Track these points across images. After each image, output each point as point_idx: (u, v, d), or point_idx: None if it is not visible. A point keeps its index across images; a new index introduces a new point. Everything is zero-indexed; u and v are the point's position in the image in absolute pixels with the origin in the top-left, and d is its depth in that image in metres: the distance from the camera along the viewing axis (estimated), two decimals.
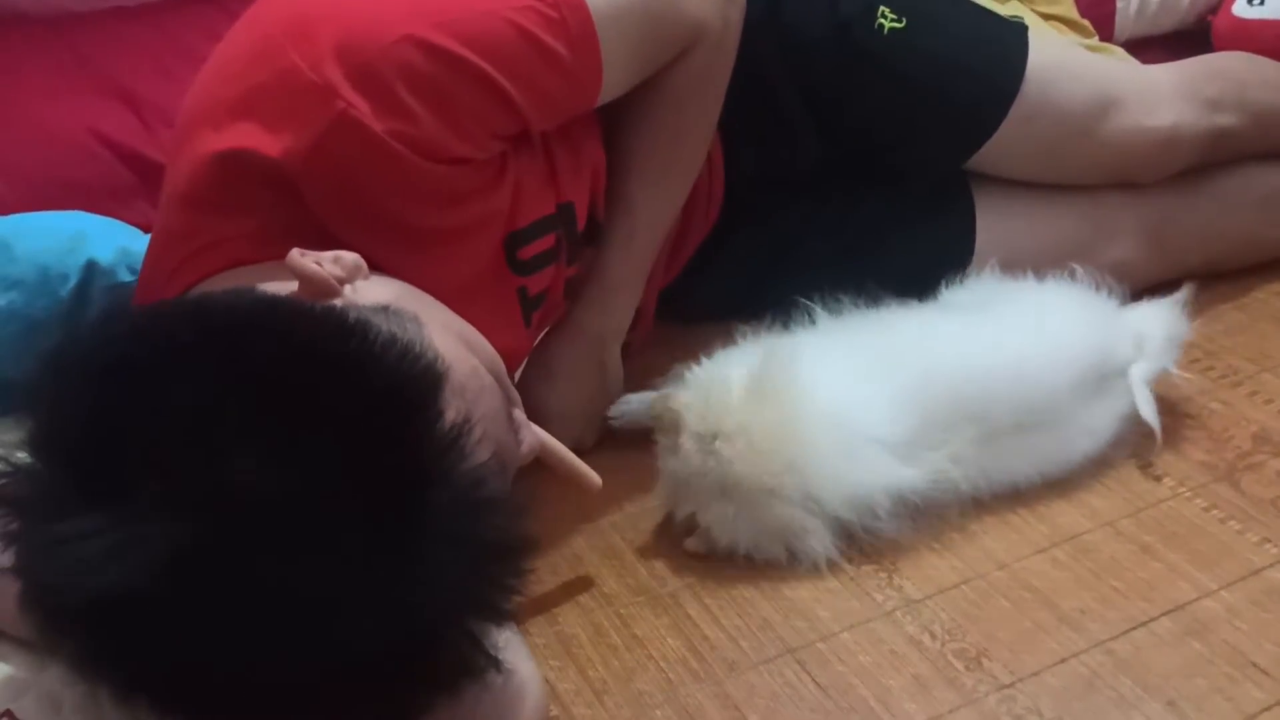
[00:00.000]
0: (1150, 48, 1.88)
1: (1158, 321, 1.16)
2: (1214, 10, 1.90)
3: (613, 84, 1.04)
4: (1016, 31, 1.30)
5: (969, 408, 1.05)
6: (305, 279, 0.82)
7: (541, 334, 1.16)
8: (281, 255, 0.89)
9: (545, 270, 1.08)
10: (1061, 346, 1.10)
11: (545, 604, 1.02)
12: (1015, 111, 1.27)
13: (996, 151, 1.30)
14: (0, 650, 0.92)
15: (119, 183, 1.34)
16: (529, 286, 1.06)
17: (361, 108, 0.88)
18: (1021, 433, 1.07)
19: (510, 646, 0.77)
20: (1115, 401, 1.12)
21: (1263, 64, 1.42)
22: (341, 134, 0.89)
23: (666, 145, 1.15)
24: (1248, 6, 1.83)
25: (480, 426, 0.73)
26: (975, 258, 1.33)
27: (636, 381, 1.24)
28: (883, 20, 1.26)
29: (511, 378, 1.12)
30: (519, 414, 0.92)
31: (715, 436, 0.99)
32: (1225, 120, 1.33)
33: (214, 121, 0.92)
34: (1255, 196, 1.38)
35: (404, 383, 0.71)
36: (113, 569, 0.60)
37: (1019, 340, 1.10)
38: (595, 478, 1.03)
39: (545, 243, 1.06)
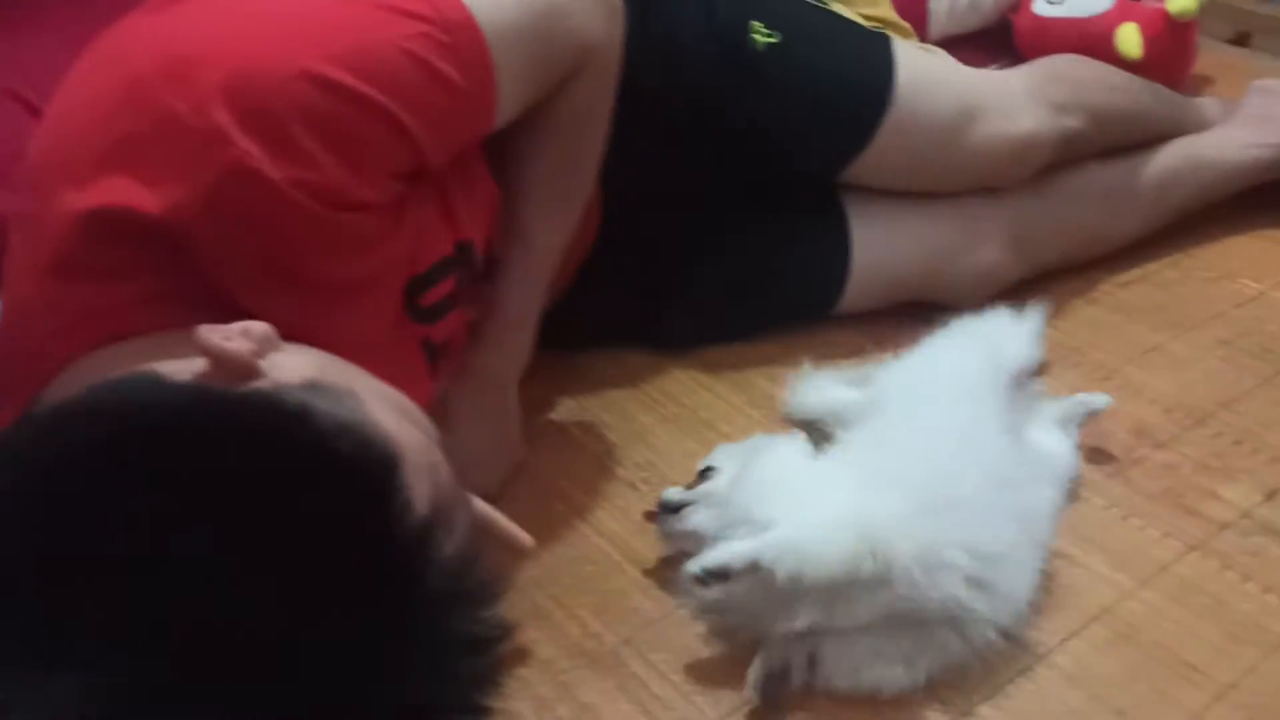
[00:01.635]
0: (957, 46, 1.94)
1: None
2: (1015, 9, 1.98)
3: (507, 108, 0.98)
4: (882, 44, 1.31)
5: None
6: (221, 360, 0.72)
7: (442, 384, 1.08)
8: (167, 324, 0.79)
9: (449, 316, 1.00)
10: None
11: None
12: (887, 123, 1.28)
13: (869, 164, 1.30)
14: None
15: None
16: (433, 336, 0.98)
17: (256, 154, 0.78)
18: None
19: None
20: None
21: (1098, 67, 1.49)
22: (236, 185, 0.78)
23: (560, 172, 1.09)
24: (1047, 5, 1.92)
25: (446, 509, 0.66)
26: (852, 269, 1.33)
27: (528, 418, 1.17)
28: (756, 35, 1.24)
29: None
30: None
31: None
32: (1072, 123, 1.38)
33: (76, 177, 0.80)
34: (1099, 192, 1.44)
35: (364, 476, 0.63)
36: None
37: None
38: (525, 537, 0.97)
39: (445, 286, 0.99)
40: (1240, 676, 0.94)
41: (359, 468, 0.63)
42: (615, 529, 1.10)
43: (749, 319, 1.35)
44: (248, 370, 0.72)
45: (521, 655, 0.97)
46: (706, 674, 0.95)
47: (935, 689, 0.93)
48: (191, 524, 0.57)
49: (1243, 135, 1.54)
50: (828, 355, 1.33)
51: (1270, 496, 1.13)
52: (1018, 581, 0.97)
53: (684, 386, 1.29)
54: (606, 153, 1.18)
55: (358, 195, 0.85)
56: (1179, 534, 1.09)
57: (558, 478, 1.15)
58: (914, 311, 1.36)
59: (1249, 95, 1.59)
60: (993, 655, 0.95)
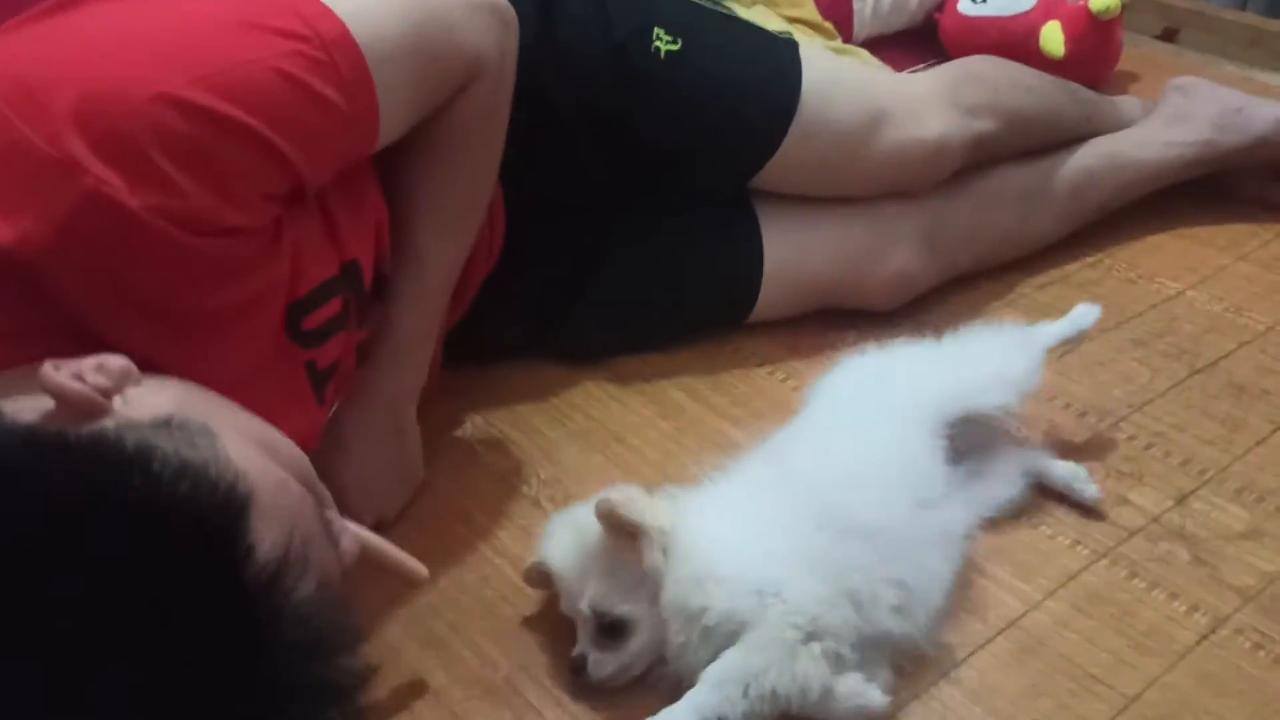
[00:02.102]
0: (883, 46, 1.93)
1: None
2: (940, 9, 1.97)
3: (391, 126, 0.95)
4: (788, 49, 1.29)
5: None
6: (64, 399, 0.69)
7: (333, 408, 1.05)
8: (22, 359, 0.76)
9: (334, 339, 0.97)
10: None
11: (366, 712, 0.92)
12: (794, 129, 1.26)
13: (778, 169, 1.28)
14: None
15: None
16: (318, 359, 0.95)
17: (114, 182, 0.75)
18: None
19: None
20: None
21: (1011, 67, 1.48)
22: (92, 214, 0.75)
23: (453, 187, 1.06)
24: (972, 5, 1.92)
25: (298, 552, 0.63)
26: (765, 275, 1.32)
27: (433, 436, 1.15)
28: (658, 43, 1.22)
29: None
30: (334, 516, 0.82)
31: None
32: (983, 125, 1.37)
33: None
34: (1012, 194, 1.43)
35: (202, 521, 0.60)
36: None
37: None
38: (420, 568, 0.94)
39: (331, 308, 0.96)
40: (1143, 688, 0.93)
41: (197, 512, 0.60)
42: (517, 551, 1.07)
43: (661, 327, 1.33)
44: (94, 408, 0.69)
45: (415, 686, 0.94)
46: (605, 702, 0.93)
47: None
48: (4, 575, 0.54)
49: (1161, 133, 1.53)
50: (744, 364, 1.32)
51: (1180, 501, 1.12)
52: (931, 602, 0.95)
53: (593, 398, 1.27)
54: (509, 162, 1.16)
55: (225, 220, 0.82)
56: (1088, 542, 1.07)
57: (459, 498, 1.13)
58: (834, 319, 1.35)
59: (1166, 93, 1.58)
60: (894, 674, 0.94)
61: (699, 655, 0.88)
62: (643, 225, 1.30)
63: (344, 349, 0.99)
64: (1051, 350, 1.14)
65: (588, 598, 0.91)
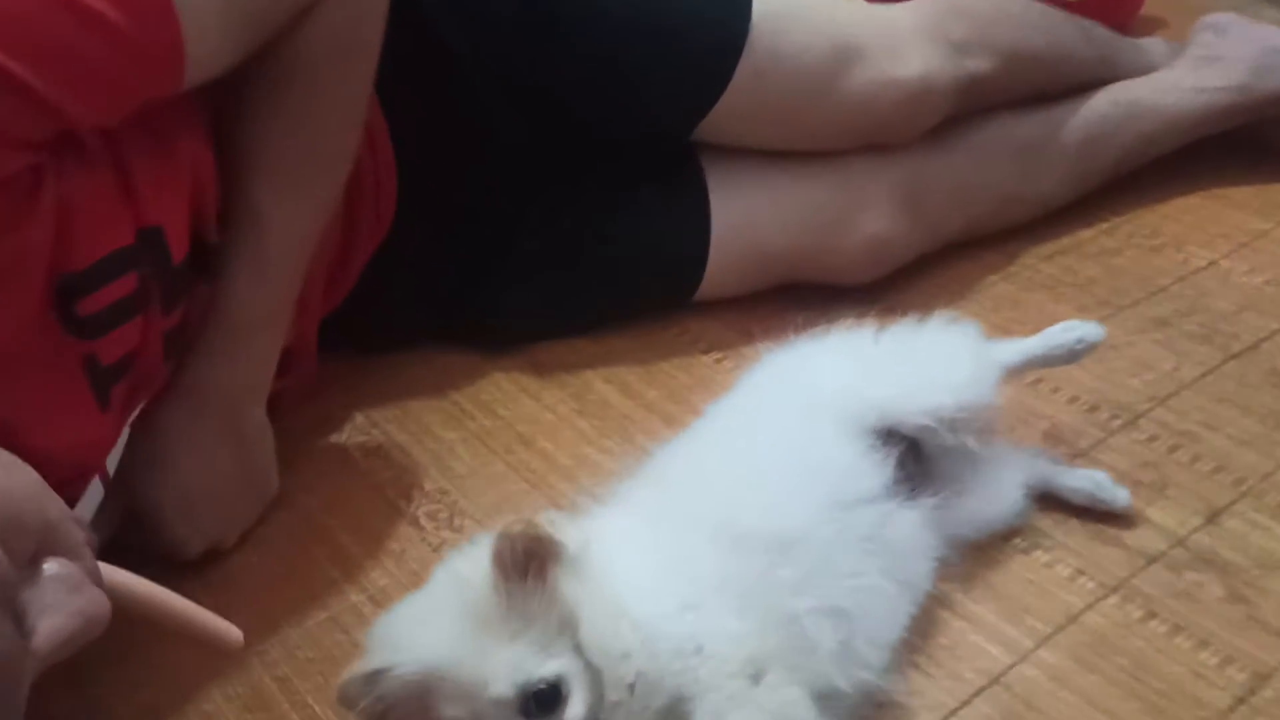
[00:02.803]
0: None
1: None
2: None
3: (205, 55, 0.74)
4: None
5: None
6: None
7: (135, 412, 0.84)
8: None
9: (125, 327, 0.76)
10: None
11: None
12: (743, 67, 1.05)
13: (725, 116, 1.07)
14: None
15: None
16: (99, 353, 0.75)
17: None
18: None
19: None
20: None
21: (1012, 0, 1.25)
22: None
23: (301, 133, 0.86)
24: None
25: None
26: (713, 243, 1.11)
27: (302, 438, 0.95)
28: None
29: (101, 471, 0.81)
30: (59, 569, 0.60)
31: None
32: (975, 64, 1.15)
33: None
34: (1011, 148, 1.21)
35: None
36: None
37: None
38: (231, 632, 0.72)
39: (121, 287, 0.75)
40: None
41: None
42: (384, 583, 0.87)
43: (589, 308, 1.12)
44: None
45: None
46: None
47: None
48: None
49: (1189, 78, 1.30)
50: (687, 350, 1.11)
51: (1212, 518, 0.90)
52: (883, 639, 0.75)
53: (503, 393, 1.06)
54: (400, 116, 0.96)
55: None
56: (1095, 572, 0.86)
57: (321, 514, 0.93)
58: (797, 297, 1.14)
59: (1196, 32, 1.35)
60: None
61: None
62: (567, 188, 1.10)
63: (141, 339, 0.78)
64: (1014, 371, 0.92)
65: (504, 675, 0.65)
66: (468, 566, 0.69)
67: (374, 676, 0.67)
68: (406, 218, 1.05)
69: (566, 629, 0.68)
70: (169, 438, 0.84)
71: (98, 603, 0.61)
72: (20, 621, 0.54)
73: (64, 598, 0.59)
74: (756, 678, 0.67)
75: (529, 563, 0.66)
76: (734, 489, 0.76)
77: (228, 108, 0.84)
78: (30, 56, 0.64)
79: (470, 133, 1.06)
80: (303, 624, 0.84)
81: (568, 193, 1.11)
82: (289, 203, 0.86)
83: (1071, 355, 0.93)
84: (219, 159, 0.84)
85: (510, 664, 0.65)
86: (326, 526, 0.92)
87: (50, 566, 0.59)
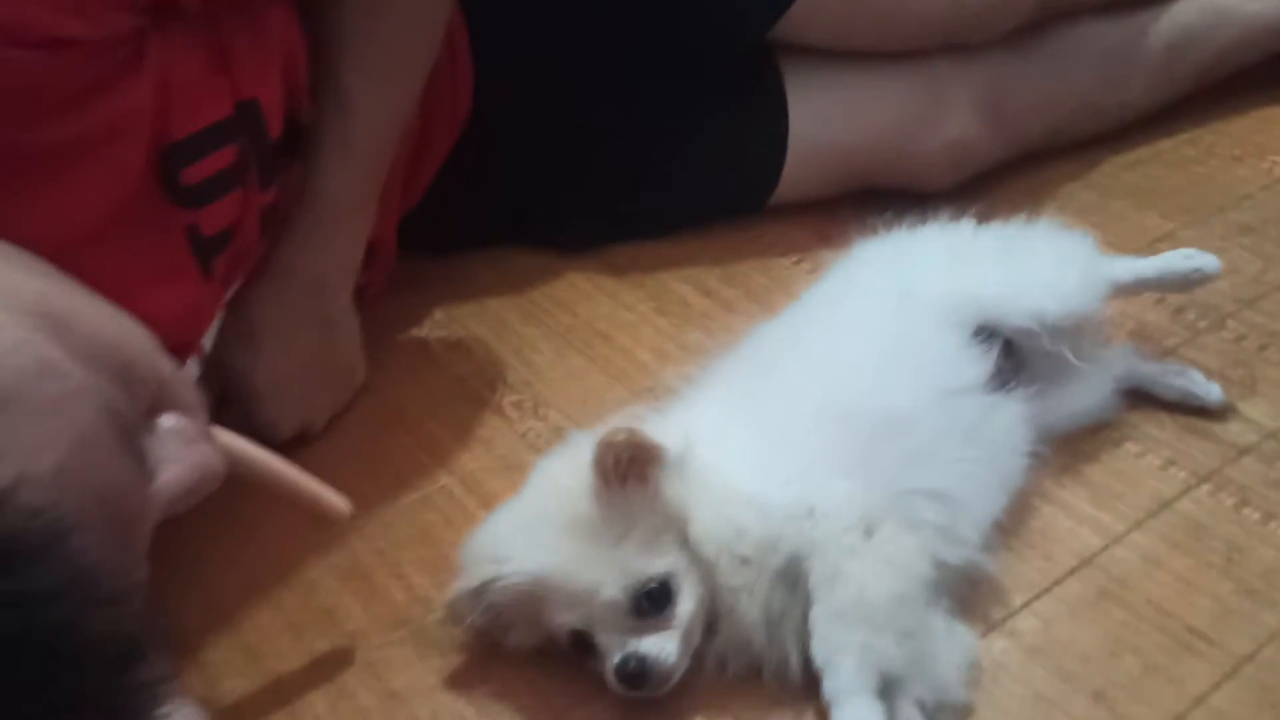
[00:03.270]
0: None
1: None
2: None
3: None
4: None
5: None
6: None
7: (235, 285, 0.85)
8: None
9: (226, 198, 0.77)
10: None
11: (261, 654, 0.74)
12: None
13: (806, 14, 1.06)
14: None
15: None
16: (202, 223, 0.76)
17: None
18: None
19: None
20: None
21: None
22: None
23: (390, 19, 0.86)
24: None
25: (43, 461, 0.44)
26: (791, 146, 1.09)
27: (384, 333, 0.96)
28: None
29: (198, 350, 0.82)
30: (176, 423, 0.61)
31: None
32: None
33: None
34: (1095, 54, 1.19)
35: None
36: None
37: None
38: (338, 503, 0.73)
39: (220, 159, 0.76)
40: (1259, 646, 0.72)
41: None
42: (473, 467, 0.88)
43: (663, 212, 1.11)
44: None
45: (323, 623, 0.75)
46: (552, 654, 0.73)
47: None
48: None
49: None
50: (765, 253, 1.11)
51: None
52: (982, 519, 0.75)
53: (579, 292, 1.06)
54: (476, 14, 0.96)
55: (54, 25, 0.62)
56: (1185, 462, 0.85)
57: (407, 403, 0.93)
58: (877, 201, 1.12)
59: None
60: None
61: (755, 598, 0.68)
62: (641, 89, 1.09)
63: (241, 212, 0.79)
64: (1123, 288, 0.90)
65: (614, 578, 0.67)
66: (567, 474, 0.70)
67: (482, 589, 0.69)
68: (481, 122, 1.05)
69: (670, 527, 0.69)
70: (259, 318, 0.85)
71: (212, 458, 0.62)
72: (142, 464, 0.55)
73: (181, 450, 0.60)
74: (870, 531, 0.67)
75: (630, 468, 0.67)
76: (838, 370, 0.76)
77: None
78: None
79: (545, 31, 1.06)
80: (395, 503, 0.85)
81: (643, 98, 1.10)
82: (374, 89, 0.86)
83: (1185, 283, 0.91)
84: (309, 44, 0.84)
85: (619, 566, 0.67)
86: (413, 414, 0.93)
87: (167, 420, 0.60)
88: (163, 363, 0.61)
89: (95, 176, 0.69)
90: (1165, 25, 1.22)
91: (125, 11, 0.67)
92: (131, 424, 0.56)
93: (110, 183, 0.70)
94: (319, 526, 0.75)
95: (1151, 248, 1.08)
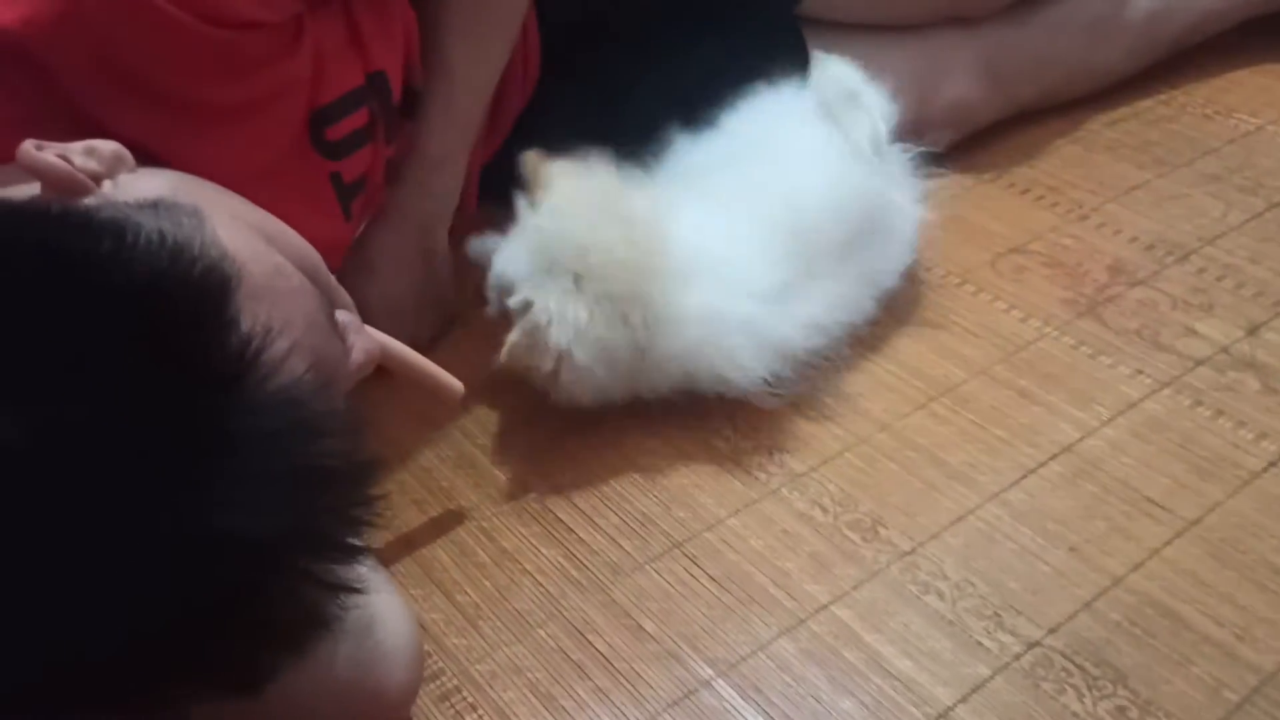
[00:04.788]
0: None
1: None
2: None
3: None
4: None
5: (807, 243, 0.98)
6: (44, 176, 0.66)
7: (361, 226, 1.02)
8: None
9: (360, 152, 0.93)
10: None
11: (396, 526, 0.91)
12: None
13: None
14: None
15: None
16: (343, 172, 0.92)
17: None
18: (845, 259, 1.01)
19: (371, 585, 0.65)
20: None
21: None
22: None
23: None
24: None
25: (289, 334, 0.60)
26: None
27: (466, 268, 1.11)
28: None
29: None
30: (347, 316, 0.78)
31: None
32: None
33: None
34: (1083, 22, 1.34)
35: (179, 287, 0.56)
36: None
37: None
38: (455, 384, 0.91)
39: (357, 119, 0.92)
40: (1204, 513, 0.89)
41: (173, 280, 0.56)
42: None
43: None
44: (75, 185, 0.66)
45: (441, 499, 0.92)
46: (635, 518, 0.90)
47: (880, 519, 0.88)
48: None
49: None
50: None
51: (1252, 331, 1.06)
52: None
53: None
54: None
55: (244, 11, 0.78)
56: (1151, 370, 1.02)
57: (494, 327, 1.09)
58: None
59: None
60: (936, 490, 0.90)
61: None
62: (683, 53, 1.24)
63: (371, 163, 0.95)
64: None
65: None
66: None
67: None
68: (546, 78, 1.20)
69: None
70: (377, 250, 1.01)
71: (373, 344, 0.79)
72: (344, 344, 0.72)
73: (355, 337, 0.77)
74: None
75: None
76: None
77: None
78: None
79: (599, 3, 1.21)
80: (492, 402, 1.01)
81: (681, 56, 1.25)
82: (473, 54, 1.02)
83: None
84: (419, 18, 1.00)
85: None
86: (498, 337, 1.08)
87: (341, 314, 0.77)
88: (326, 270, 0.78)
89: (266, 129, 0.85)
90: None
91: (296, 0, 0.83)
92: (329, 310, 0.73)
93: (275, 135, 0.86)
94: (440, 401, 0.93)
95: (1127, 195, 1.25)
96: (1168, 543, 0.87)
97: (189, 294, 0.56)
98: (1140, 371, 1.02)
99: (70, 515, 0.49)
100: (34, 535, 0.49)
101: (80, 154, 0.67)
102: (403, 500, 0.93)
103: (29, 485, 0.48)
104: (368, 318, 0.95)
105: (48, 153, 0.66)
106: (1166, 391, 1.00)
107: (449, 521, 0.91)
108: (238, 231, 0.70)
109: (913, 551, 0.87)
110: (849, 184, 1.01)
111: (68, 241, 0.55)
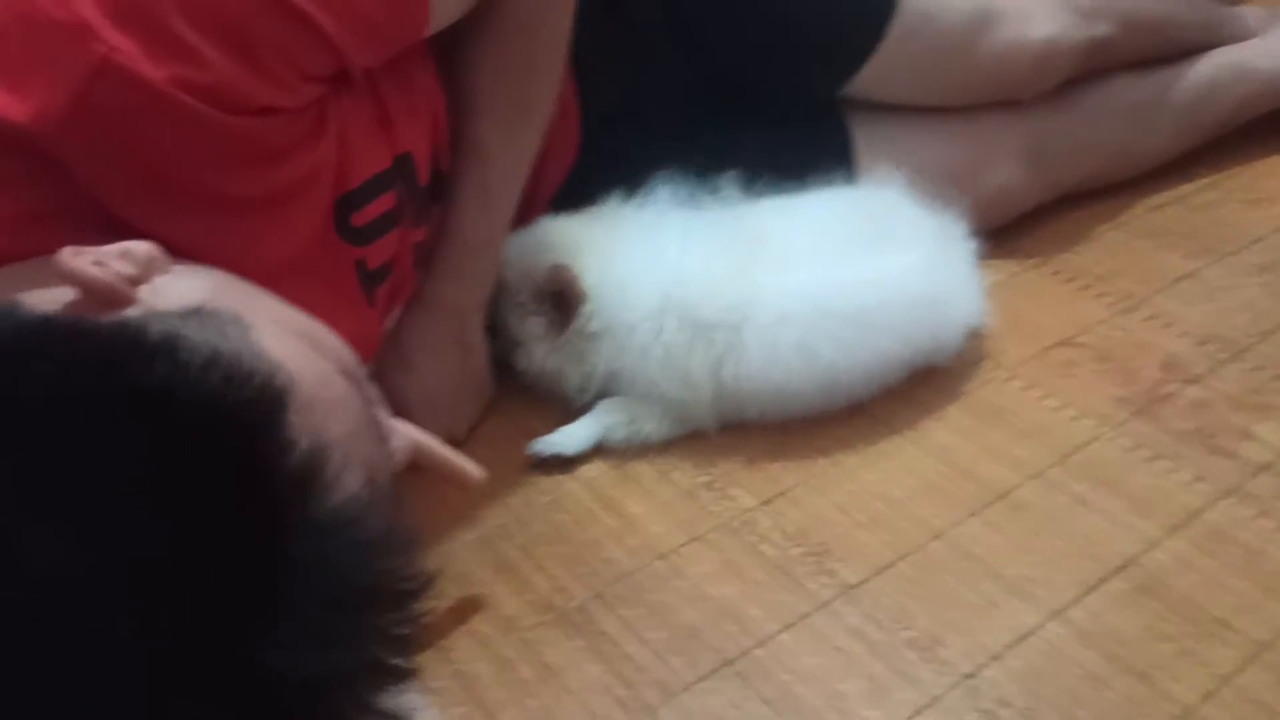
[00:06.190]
0: None
1: None
2: None
3: (445, 6, 0.88)
4: None
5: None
6: (85, 287, 0.63)
7: (393, 314, 0.99)
8: (44, 246, 0.70)
9: (387, 237, 0.90)
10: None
11: (434, 637, 0.87)
12: (894, 30, 1.17)
13: (873, 75, 1.19)
14: None
15: None
16: (368, 258, 0.89)
17: (128, 50, 0.69)
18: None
19: (419, 712, 0.62)
20: None
21: None
22: (106, 85, 0.69)
23: (516, 77, 0.99)
24: None
25: (342, 448, 0.57)
26: None
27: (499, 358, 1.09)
28: None
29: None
30: (382, 415, 0.75)
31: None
32: (1098, 29, 1.26)
33: None
34: (1127, 107, 1.32)
35: (236, 412, 0.54)
36: None
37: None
38: (475, 470, 0.89)
39: (383, 204, 0.89)
40: (1275, 635, 0.85)
41: (229, 404, 0.54)
42: (593, 474, 1.01)
43: None
44: (117, 297, 0.63)
45: (480, 607, 0.89)
46: (683, 632, 0.87)
47: (938, 638, 0.84)
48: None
49: None
50: None
51: None
52: None
53: None
54: (582, 64, 1.08)
55: (258, 97, 0.75)
56: (1211, 477, 0.99)
57: (530, 420, 1.06)
58: None
59: None
60: (994, 605, 0.87)
61: None
62: (727, 135, 1.22)
63: (398, 248, 0.92)
64: None
65: None
66: None
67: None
68: (584, 162, 1.18)
69: None
70: (412, 344, 0.98)
71: (409, 441, 0.76)
72: (385, 444, 0.69)
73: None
74: None
75: None
76: None
77: (455, 56, 0.96)
78: (325, 5, 0.77)
79: (643, 81, 1.18)
80: (530, 504, 0.98)
81: (722, 145, 1.23)
82: (507, 139, 1.00)
83: None
84: (449, 100, 0.97)
85: None
86: (535, 430, 1.05)
87: (376, 410, 0.75)
88: (363, 369, 0.75)
89: (291, 219, 0.82)
90: (1189, 81, 1.35)
91: (316, 83, 0.80)
92: (371, 413, 0.70)
93: (302, 224, 0.83)
94: (458, 487, 0.90)
95: (1175, 286, 1.22)
96: (1240, 668, 0.83)
97: (245, 417, 0.53)
98: (1200, 478, 0.99)
99: (132, 647, 0.47)
100: (90, 665, 0.46)
101: (115, 257, 0.65)
102: (439, 607, 0.89)
103: (88, 615, 0.46)
104: (404, 412, 0.93)
105: (84, 259, 0.63)
106: (1228, 501, 0.96)
107: (489, 632, 0.87)
108: (283, 340, 0.67)
109: (974, 674, 0.83)
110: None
111: (123, 366, 0.53)
